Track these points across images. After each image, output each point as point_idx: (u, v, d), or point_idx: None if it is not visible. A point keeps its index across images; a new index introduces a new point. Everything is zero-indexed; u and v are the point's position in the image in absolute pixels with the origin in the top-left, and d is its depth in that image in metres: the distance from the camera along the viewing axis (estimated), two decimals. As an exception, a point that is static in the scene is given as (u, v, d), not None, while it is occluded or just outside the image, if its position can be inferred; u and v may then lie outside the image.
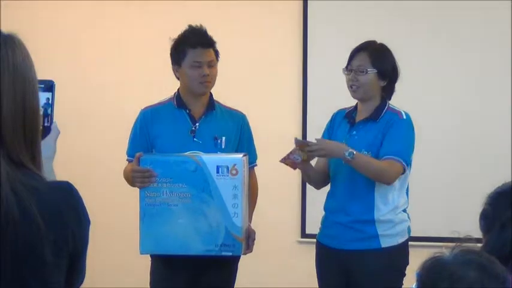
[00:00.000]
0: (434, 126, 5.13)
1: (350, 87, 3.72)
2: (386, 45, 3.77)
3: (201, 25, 3.72)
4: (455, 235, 1.84)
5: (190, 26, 3.73)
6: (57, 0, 5.50)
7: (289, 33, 5.34)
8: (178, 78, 3.76)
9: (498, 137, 5.06)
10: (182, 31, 3.73)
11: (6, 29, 1.62)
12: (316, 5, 5.29)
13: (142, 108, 3.80)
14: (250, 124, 3.85)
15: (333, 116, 3.88)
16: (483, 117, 5.12)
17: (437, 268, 1.75)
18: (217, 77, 3.73)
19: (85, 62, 5.53)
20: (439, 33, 5.16)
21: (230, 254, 3.50)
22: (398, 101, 3.87)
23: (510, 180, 2.28)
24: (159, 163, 3.48)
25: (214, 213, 3.44)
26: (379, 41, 3.79)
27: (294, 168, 3.72)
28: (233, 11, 5.34)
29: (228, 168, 3.42)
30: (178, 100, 3.75)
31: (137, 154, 3.53)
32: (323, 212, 3.85)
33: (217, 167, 3.42)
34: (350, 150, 3.54)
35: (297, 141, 3.62)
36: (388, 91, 3.75)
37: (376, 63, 3.68)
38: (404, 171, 3.64)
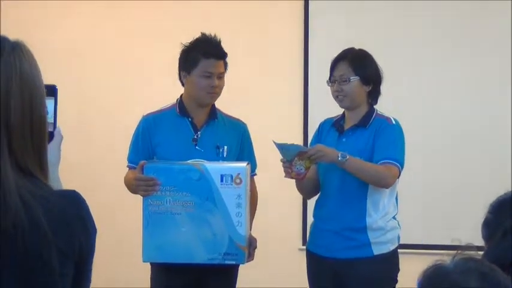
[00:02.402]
0: (430, 130, 5.13)
1: (336, 97, 3.74)
2: (365, 50, 3.78)
3: (215, 35, 3.69)
4: (456, 243, 1.84)
5: (204, 35, 3.71)
6: (58, 0, 5.51)
7: (290, 36, 5.34)
8: (183, 85, 3.76)
9: (498, 142, 5.06)
10: (195, 38, 3.71)
11: (6, 29, 1.62)
12: (317, 4, 5.29)
13: (144, 114, 3.79)
14: (250, 132, 3.86)
15: (320, 125, 3.89)
16: (482, 121, 5.11)
17: (438, 276, 1.74)
18: None
19: (85, 64, 5.53)
20: (440, 35, 5.17)
21: (233, 262, 3.51)
22: (395, 106, 3.89)
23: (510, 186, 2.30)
24: (163, 171, 3.48)
25: (218, 222, 3.44)
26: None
27: (302, 180, 3.69)
28: (233, 11, 5.35)
29: (232, 177, 3.43)
30: (181, 108, 3.75)
31: (141, 162, 3.54)
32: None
33: (222, 176, 3.42)
34: (342, 152, 3.55)
35: (276, 144, 3.60)
36: (374, 95, 3.77)
37: (357, 70, 3.70)
38: (400, 175, 3.65)
